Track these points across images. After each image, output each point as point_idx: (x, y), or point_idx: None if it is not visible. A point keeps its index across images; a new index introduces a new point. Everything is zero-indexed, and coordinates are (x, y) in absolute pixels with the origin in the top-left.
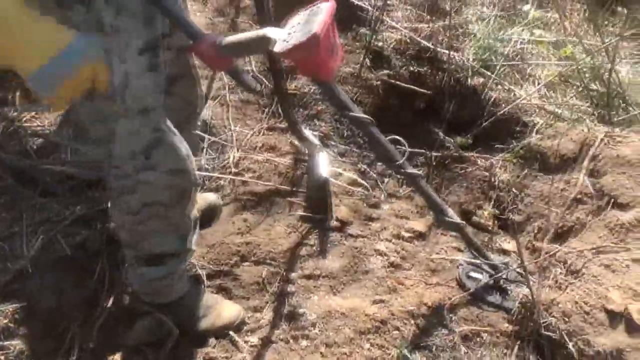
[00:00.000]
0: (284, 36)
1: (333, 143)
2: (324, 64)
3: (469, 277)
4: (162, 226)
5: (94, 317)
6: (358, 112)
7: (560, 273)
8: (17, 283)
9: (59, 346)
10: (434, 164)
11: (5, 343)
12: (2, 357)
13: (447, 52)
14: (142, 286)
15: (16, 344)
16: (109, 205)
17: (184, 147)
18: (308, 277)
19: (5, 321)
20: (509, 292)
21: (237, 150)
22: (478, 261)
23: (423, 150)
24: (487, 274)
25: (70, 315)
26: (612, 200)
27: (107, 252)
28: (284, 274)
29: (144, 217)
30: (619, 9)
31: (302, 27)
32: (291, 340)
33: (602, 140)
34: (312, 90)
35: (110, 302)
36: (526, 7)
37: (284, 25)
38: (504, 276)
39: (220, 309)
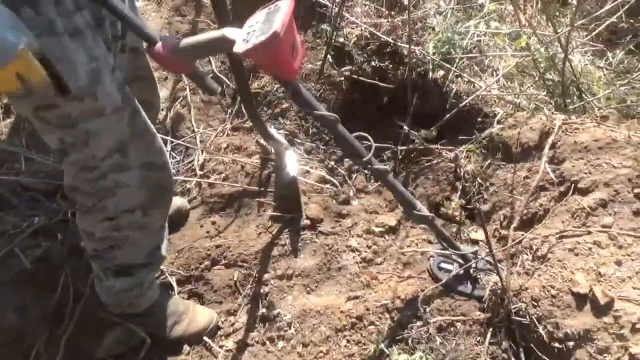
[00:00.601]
0: (244, 36)
1: (299, 141)
2: (286, 62)
3: (440, 268)
4: (137, 235)
5: (60, 331)
6: (323, 110)
7: (527, 259)
8: None
9: None
10: (401, 157)
11: None
12: None
13: (407, 46)
14: (111, 298)
15: None
16: (76, 214)
17: (157, 140)
18: (281, 277)
19: None
20: (480, 280)
21: (202, 152)
22: (448, 252)
23: (389, 145)
24: (458, 265)
25: (35, 331)
26: (573, 185)
27: (70, 263)
28: (257, 275)
29: (122, 224)
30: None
31: (261, 26)
32: (267, 342)
33: (560, 127)
34: (275, 89)
35: (76, 314)
36: (481, 0)
37: (242, 24)
38: (474, 265)
39: (193, 315)
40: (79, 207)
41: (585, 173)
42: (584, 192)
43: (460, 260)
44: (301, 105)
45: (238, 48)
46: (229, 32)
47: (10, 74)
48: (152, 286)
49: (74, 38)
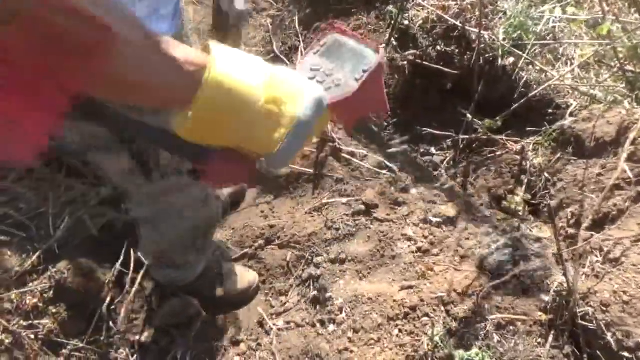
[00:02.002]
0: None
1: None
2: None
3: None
4: (190, 253)
5: (121, 298)
6: None
7: (597, 261)
8: (45, 263)
9: (87, 327)
10: (462, 147)
11: (35, 322)
12: (32, 336)
13: (476, 30)
14: (165, 280)
15: (45, 324)
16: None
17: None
18: (334, 261)
19: (34, 301)
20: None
21: None
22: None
23: (450, 133)
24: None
25: (98, 296)
26: None
27: (133, 233)
28: (309, 257)
29: (185, 236)
30: None
31: (343, 73)
32: (318, 325)
33: None
34: None
35: (137, 283)
36: None
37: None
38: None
39: (238, 275)
40: (150, 224)
41: None
42: None
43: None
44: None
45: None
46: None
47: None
48: (201, 262)
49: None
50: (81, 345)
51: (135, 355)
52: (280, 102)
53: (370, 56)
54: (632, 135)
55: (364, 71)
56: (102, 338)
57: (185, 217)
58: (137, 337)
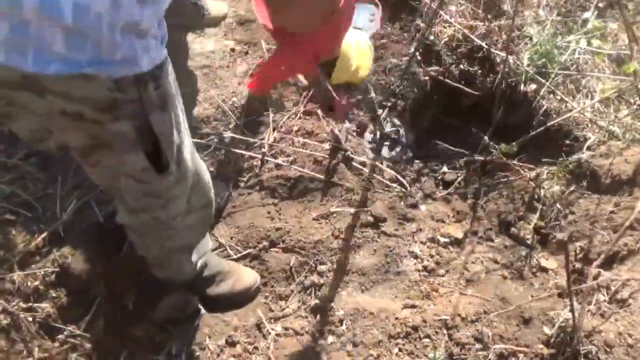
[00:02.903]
0: None
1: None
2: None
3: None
4: (184, 256)
5: (122, 289)
6: None
7: (604, 300)
8: (50, 246)
9: (85, 314)
10: (475, 168)
11: (34, 305)
12: (30, 319)
13: (501, 53)
14: (161, 275)
15: (45, 307)
16: (134, 235)
17: (207, 173)
18: (338, 271)
19: (36, 283)
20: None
21: (273, 131)
22: None
23: (465, 152)
24: None
25: (99, 284)
26: None
27: None
28: (313, 265)
29: (173, 253)
30: None
31: None
32: (317, 334)
33: None
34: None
35: (138, 275)
36: (586, 15)
37: None
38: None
39: (239, 274)
40: (135, 232)
41: None
42: None
43: None
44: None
45: None
46: None
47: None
48: (199, 262)
49: (173, 106)
50: (78, 332)
51: (128, 348)
52: None
53: None
54: None
55: None
56: (99, 328)
57: (172, 234)
58: (134, 331)
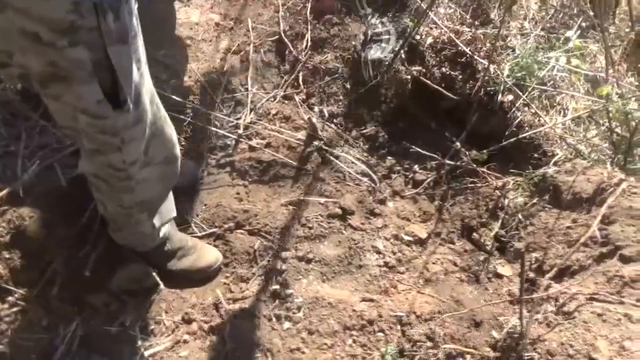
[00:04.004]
0: None
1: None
2: None
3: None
4: (143, 216)
5: (80, 255)
6: None
7: (552, 311)
8: (7, 205)
9: (39, 278)
10: (445, 171)
11: None
12: None
13: (484, 62)
14: (122, 241)
15: None
16: (93, 188)
17: (171, 129)
18: (301, 258)
19: None
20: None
21: (250, 112)
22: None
23: (436, 156)
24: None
25: (56, 249)
26: (617, 250)
27: None
28: (277, 250)
29: (134, 212)
30: None
31: None
32: (274, 319)
33: (617, 185)
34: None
35: (99, 242)
36: (569, 33)
37: None
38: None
39: (201, 251)
40: (93, 185)
41: (633, 241)
42: (627, 260)
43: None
44: None
45: None
46: None
47: None
48: (161, 231)
49: (132, 42)
50: (29, 295)
51: (82, 315)
52: None
53: None
54: (610, 200)
55: None
56: (53, 293)
57: (128, 186)
58: (88, 298)
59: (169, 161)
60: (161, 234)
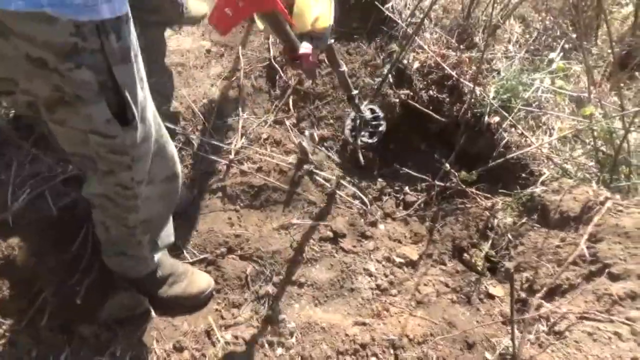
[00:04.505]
0: None
1: (335, 150)
2: None
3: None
4: (145, 237)
5: (70, 285)
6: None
7: (543, 331)
8: None
9: (29, 307)
10: (435, 193)
11: None
12: None
13: (470, 84)
14: (114, 266)
15: None
16: (92, 210)
17: (172, 147)
18: (293, 282)
19: None
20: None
21: (242, 137)
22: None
23: (426, 177)
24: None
25: (46, 277)
26: (605, 268)
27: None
28: (269, 275)
29: (138, 232)
30: (637, 74)
31: None
32: (266, 345)
33: (603, 204)
34: (327, 91)
35: (91, 271)
36: (552, 55)
37: None
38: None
39: (192, 277)
40: (99, 207)
41: (621, 259)
42: (615, 278)
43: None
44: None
45: None
46: None
47: None
48: (155, 256)
49: (135, 61)
50: (17, 327)
51: (72, 346)
52: None
53: None
54: (595, 219)
55: None
56: (42, 323)
57: (134, 205)
58: (78, 328)
59: (170, 179)
60: (155, 260)
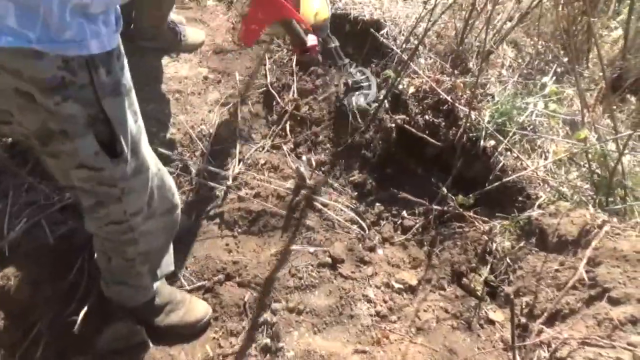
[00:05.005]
0: None
1: (335, 176)
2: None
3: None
4: (145, 268)
5: (65, 315)
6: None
7: (545, 357)
8: None
9: (24, 339)
10: (432, 217)
11: None
12: None
13: (465, 109)
14: (114, 296)
15: None
16: (94, 239)
17: (170, 178)
18: (291, 310)
19: None
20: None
21: (239, 163)
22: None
23: (424, 201)
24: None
25: (41, 308)
26: (605, 292)
27: (91, 247)
28: (267, 302)
29: (137, 263)
30: (628, 96)
31: None
32: None
33: (600, 227)
34: (324, 116)
35: (87, 301)
36: (545, 79)
37: None
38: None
39: (190, 305)
40: (96, 245)
41: (620, 283)
42: (615, 302)
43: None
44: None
45: None
46: None
47: None
48: (154, 285)
49: (127, 96)
50: (12, 359)
51: None
52: None
53: None
54: (594, 243)
55: None
56: (37, 355)
57: (133, 238)
58: (73, 358)
59: (170, 211)
60: (154, 288)
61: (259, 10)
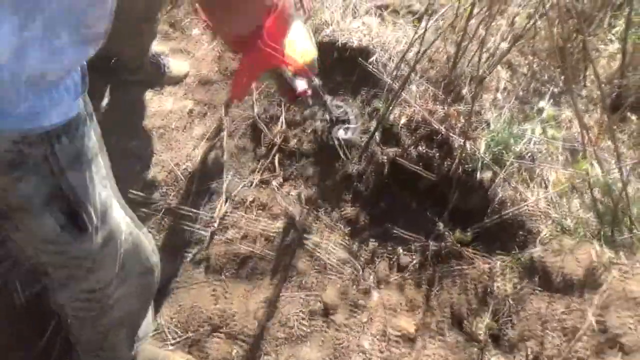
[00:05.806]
0: None
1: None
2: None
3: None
4: (121, 334)
5: None
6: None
7: None
8: None
9: None
10: (429, 253)
11: None
12: None
13: (459, 139)
14: None
15: None
16: (69, 317)
17: (148, 237)
18: None
19: None
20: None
21: (226, 202)
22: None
23: (420, 237)
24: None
25: None
26: (616, 339)
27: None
28: (257, 356)
29: (111, 334)
30: (629, 114)
31: None
32: None
33: (608, 268)
34: (314, 149)
35: None
36: (542, 104)
37: None
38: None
39: None
40: (71, 312)
41: (631, 329)
42: (628, 350)
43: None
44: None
45: None
46: None
47: None
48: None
49: (94, 163)
50: None
51: None
52: None
53: None
54: (602, 288)
55: None
56: None
57: (105, 308)
58: None
59: (145, 274)
60: (133, 352)
61: (251, 61)
